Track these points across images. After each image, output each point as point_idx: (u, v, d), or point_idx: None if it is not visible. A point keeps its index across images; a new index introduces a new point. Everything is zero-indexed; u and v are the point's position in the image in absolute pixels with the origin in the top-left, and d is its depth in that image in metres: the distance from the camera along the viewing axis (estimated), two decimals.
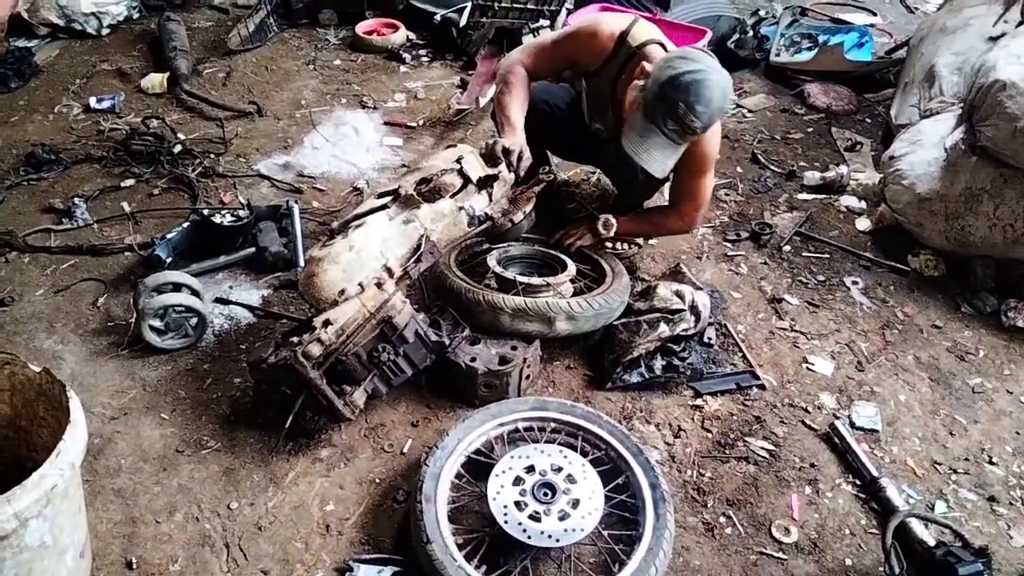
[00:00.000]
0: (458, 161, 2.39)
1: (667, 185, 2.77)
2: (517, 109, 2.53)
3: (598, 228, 2.69)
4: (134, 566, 1.88)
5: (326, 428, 2.24)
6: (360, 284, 2.14)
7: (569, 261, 2.57)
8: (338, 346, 2.06)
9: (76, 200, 3.07)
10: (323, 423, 2.22)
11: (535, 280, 2.41)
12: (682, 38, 3.86)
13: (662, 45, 2.45)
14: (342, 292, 2.13)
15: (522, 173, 2.45)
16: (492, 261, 2.50)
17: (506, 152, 2.40)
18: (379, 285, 2.14)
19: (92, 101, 3.81)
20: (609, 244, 2.93)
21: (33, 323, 2.56)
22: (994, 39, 3.10)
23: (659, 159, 2.29)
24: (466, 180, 2.38)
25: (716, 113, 2.24)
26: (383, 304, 2.10)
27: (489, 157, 2.43)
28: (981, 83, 2.71)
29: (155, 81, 3.98)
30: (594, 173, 3.35)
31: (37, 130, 3.62)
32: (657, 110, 2.22)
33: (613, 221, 2.68)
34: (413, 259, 2.24)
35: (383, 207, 2.32)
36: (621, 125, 2.47)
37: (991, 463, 2.26)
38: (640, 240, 2.99)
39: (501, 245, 2.63)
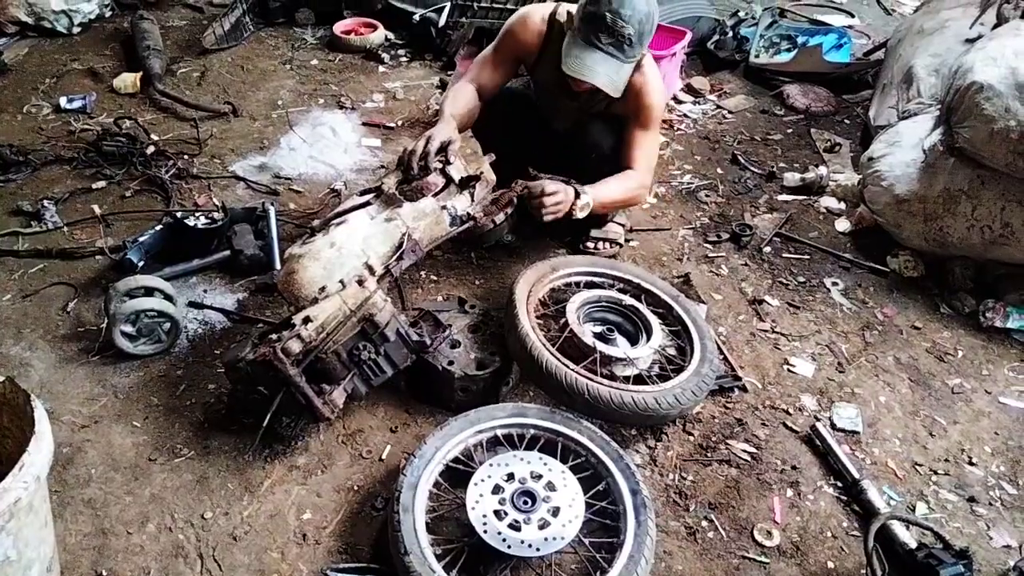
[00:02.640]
0: (440, 161, 2.36)
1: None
2: (451, 108, 2.55)
3: (575, 210, 2.55)
4: None
5: (302, 435, 2.20)
6: (341, 282, 2.11)
7: (655, 325, 2.40)
8: (318, 343, 2.03)
9: (45, 202, 3.00)
10: (300, 429, 2.18)
11: (615, 352, 2.29)
12: (662, 39, 3.86)
13: None
14: (323, 289, 2.10)
15: (421, 157, 2.34)
16: (572, 315, 2.36)
17: (411, 153, 2.35)
18: (360, 283, 2.11)
19: (62, 101, 3.73)
20: (591, 245, 2.92)
21: (0, 329, 2.49)
22: (971, 41, 3.12)
23: (604, 73, 2.36)
24: (448, 180, 2.37)
25: (644, 18, 2.33)
26: (364, 302, 2.07)
27: (399, 164, 2.40)
28: (958, 85, 2.72)
29: (127, 81, 3.90)
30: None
31: (5, 130, 3.53)
32: (589, 30, 2.33)
33: (590, 204, 2.57)
34: (395, 257, 2.22)
35: (365, 205, 2.29)
36: (575, 105, 2.59)
37: (971, 464, 2.27)
38: (621, 240, 2.97)
39: (585, 292, 2.49)
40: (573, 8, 2.48)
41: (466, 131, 2.71)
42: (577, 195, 2.53)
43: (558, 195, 2.47)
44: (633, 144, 2.69)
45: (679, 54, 3.97)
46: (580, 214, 2.55)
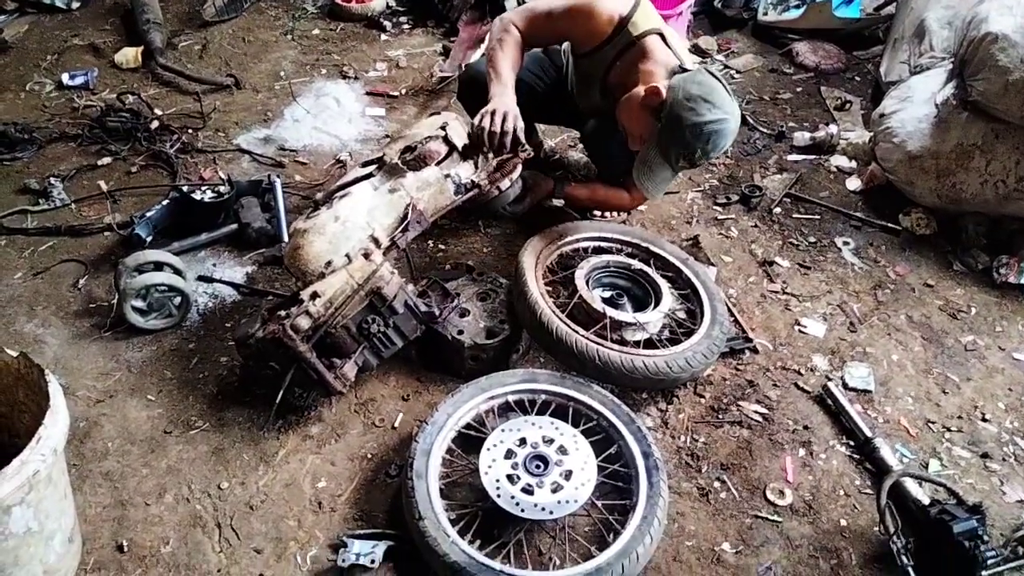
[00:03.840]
0: (443, 128, 2.34)
1: None
2: (508, 66, 2.44)
3: (546, 198, 2.80)
4: (125, 549, 1.87)
5: (315, 404, 2.21)
6: (347, 255, 2.10)
7: (665, 288, 2.39)
8: (327, 319, 2.03)
9: (52, 180, 2.99)
10: (312, 399, 2.19)
11: (624, 317, 2.28)
12: None
13: (662, 36, 2.38)
14: (329, 264, 2.09)
15: (511, 143, 2.31)
16: (581, 281, 2.35)
17: (491, 134, 2.25)
18: (366, 256, 2.11)
19: (65, 78, 3.70)
20: (599, 212, 2.89)
21: (12, 307, 2.51)
22: None
23: (662, 188, 2.52)
24: (451, 147, 2.33)
25: (722, 153, 2.42)
26: (371, 275, 2.07)
27: (474, 145, 2.32)
28: (972, 36, 2.66)
29: (129, 55, 3.87)
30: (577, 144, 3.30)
31: (8, 109, 3.52)
32: (672, 150, 2.27)
33: (561, 204, 2.80)
34: (400, 228, 2.21)
35: (368, 176, 2.28)
36: (606, 104, 2.49)
37: (984, 420, 2.26)
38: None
39: (593, 258, 2.48)
40: (652, 51, 2.34)
41: None
42: (554, 191, 2.75)
43: (537, 189, 2.72)
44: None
45: (685, 13, 3.89)
46: (548, 204, 2.78)
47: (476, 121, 2.29)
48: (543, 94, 2.76)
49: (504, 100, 2.32)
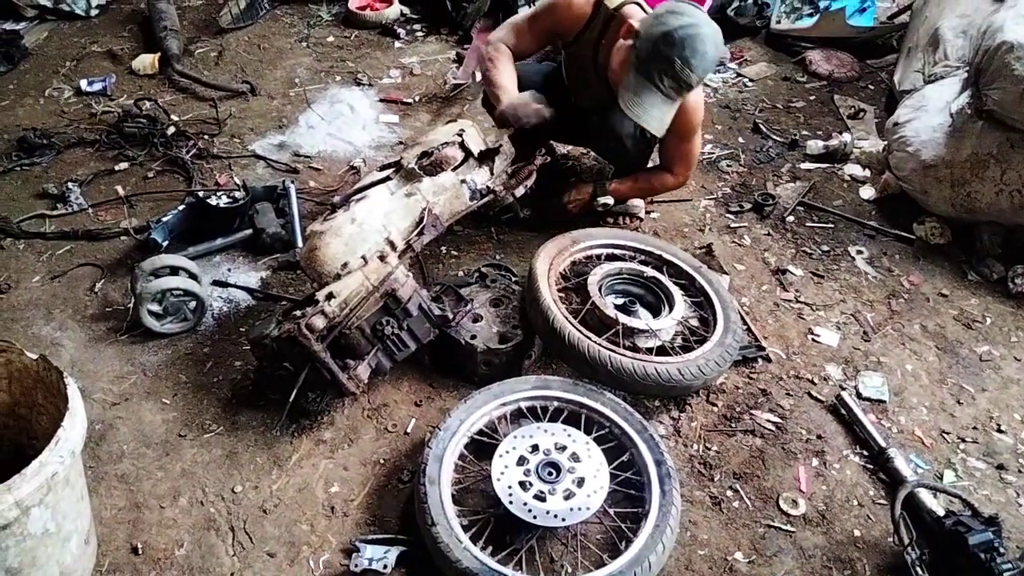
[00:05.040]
0: (459, 134, 2.36)
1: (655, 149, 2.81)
2: (508, 78, 2.52)
3: (595, 205, 2.80)
4: (140, 551, 1.88)
5: (328, 409, 2.22)
6: (363, 257, 2.12)
7: (678, 296, 2.39)
8: (342, 319, 2.05)
9: (70, 185, 3.03)
10: (325, 404, 2.20)
11: (637, 324, 2.29)
12: None
13: (639, 5, 2.45)
14: (345, 265, 2.11)
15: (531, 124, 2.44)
16: (593, 287, 2.35)
17: (513, 117, 2.41)
18: (382, 258, 2.13)
19: (83, 84, 3.75)
20: (611, 219, 2.91)
21: (31, 310, 2.54)
22: (1000, 0, 3.03)
23: (656, 116, 2.33)
24: (467, 153, 2.36)
25: (710, 65, 2.28)
26: (386, 277, 2.08)
27: (500, 123, 2.45)
28: (988, 45, 2.65)
29: (146, 62, 3.91)
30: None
31: (28, 114, 3.57)
32: (652, 67, 2.24)
33: (611, 202, 2.79)
34: (416, 232, 2.23)
35: (385, 180, 2.30)
36: (606, 91, 2.50)
37: (999, 431, 2.25)
38: (641, 214, 2.95)
39: (606, 265, 2.49)
40: (632, 16, 2.41)
41: None
42: (595, 196, 2.75)
43: (578, 198, 2.81)
44: (669, 151, 2.70)
45: None
46: (598, 208, 2.77)
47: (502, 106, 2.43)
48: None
49: (536, 106, 2.44)
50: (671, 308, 2.36)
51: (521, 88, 2.60)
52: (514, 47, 2.61)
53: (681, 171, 2.74)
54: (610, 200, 2.79)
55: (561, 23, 2.57)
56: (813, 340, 2.51)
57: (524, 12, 2.70)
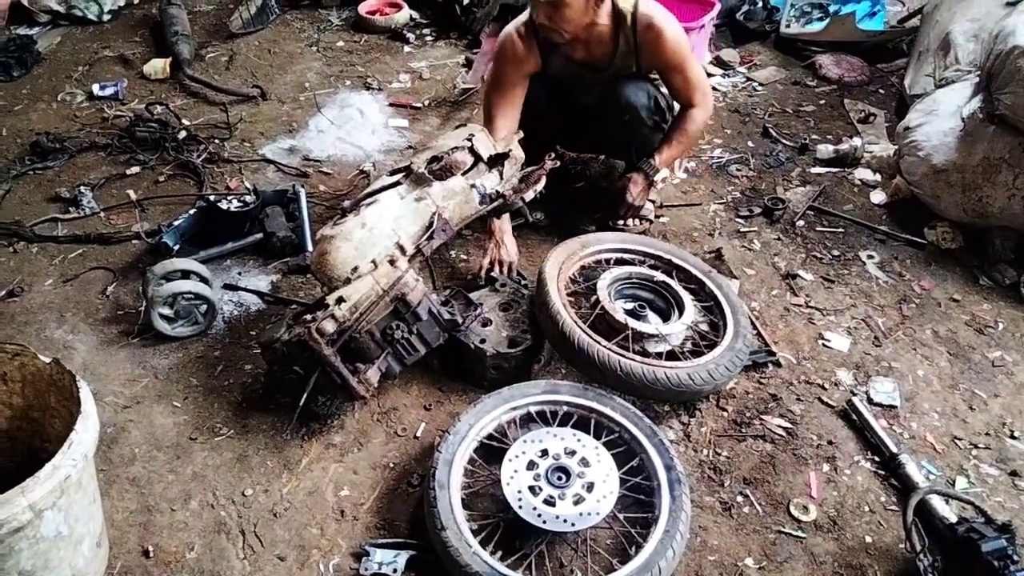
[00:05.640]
0: (469, 139, 2.36)
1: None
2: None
3: (648, 188, 2.80)
4: (151, 554, 1.89)
5: (338, 413, 2.23)
6: (373, 261, 2.13)
7: (687, 300, 2.39)
8: (352, 323, 2.05)
9: (82, 188, 3.06)
10: (335, 408, 2.21)
11: (647, 328, 2.29)
12: (690, 10, 3.80)
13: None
14: (355, 270, 2.12)
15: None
16: (603, 292, 2.36)
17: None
18: (392, 262, 2.13)
19: (95, 88, 3.78)
20: (622, 222, 2.90)
21: (43, 313, 2.55)
22: (1012, 4, 3.01)
23: None
24: (477, 158, 2.36)
25: None
26: (396, 281, 2.09)
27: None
28: (999, 50, 2.64)
29: (157, 67, 3.94)
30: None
31: (41, 119, 3.60)
32: None
33: (667, 174, 2.79)
34: (425, 236, 2.23)
35: (395, 185, 2.30)
36: (600, 76, 2.64)
37: (1012, 437, 2.23)
38: (651, 217, 2.95)
39: (616, 269, 2.49)
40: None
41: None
42: (648, 177, 2.74)
43: (637, 188, 2.75)
44: (678, 87, 2.70)
45: (708, 26, 3.90)
46: (659, 187, 2.74)
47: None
48: (546, 106, 2.79)
49: (506, 247, 2.64)
50: (681, 313, 2.36)
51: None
52: (507, 118, 2.63)
53: (701, 98, 2.73)
54: (666, 172, 2.77)
55: (522, 63, 2.63)
56: (823, 345, 2.50)
57: (488, 84, 2.75)
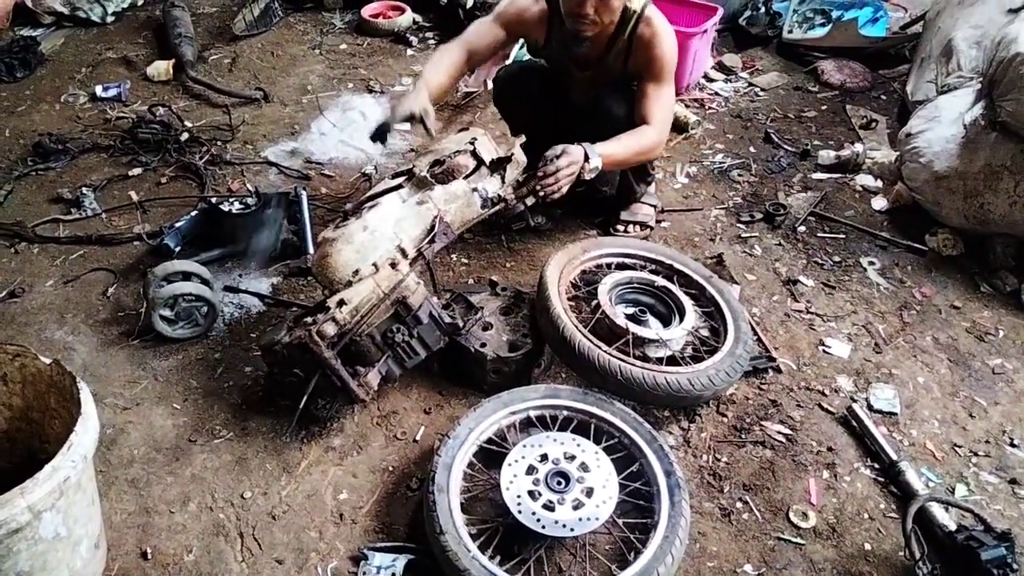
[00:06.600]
0: (471, 143, 2.37)
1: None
2: (430, 69, 2.57)
3: (583, 172, 2.44)
4: (149, 556, 1.88)
5: (338, 416, 2.23)
6: (374, 264, 2.13)
7: (688, 306, 2.38)
8: (352, 326, 2.05)
9: (84, 190, 3.06)
10: (335, 411, 2.21)
11: (647, 333, 2.28)
12: (692, 16, 3.80)
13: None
14: (356, 272, 2.12)
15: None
16: (604, 296, 2.36)
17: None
18: (393, 266, 2.13)
19: (98, 90, 3.79)
20: (622, 227, 2.90)
21: (44, 314, 2.56)
22: (1015, 11, 3.01)
23: None
24: (479, 162, 2.36)
25: None
26: (397, 284, 2.09)
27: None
28: (1002, 56, 2.64)
29: (161, 68, 3.95)
30: None
31: (44, 120, 3.60)
32: None
33: (600, 165, 2.45)
34: (427, 240, 2.23)
35: (397, 188, 2.30)
36: (587, 75, 2.63)
37: (1012, 445, 2.22)
38: (652, 223, 2.95)
39: (616, 274, 2.48)
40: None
41: (445, 96, 2.76)
42: (587, 158, 2.42)
43: (570, 159, 2.37)
44: (646, 98, 2.59)
45: (710, 31, 3.90)
46: (588, 176, 2.43)
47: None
48: (539, 105, 2.82)
49: (405, 100, 2.45)
50: (681, 318, 2.36)
51: (521, 88, 2.71)
52: (472, 45, 2.62)
53: (660, 122, 2.58)
54: (599, 163, 2.45)
55: (523, 26, 2.63)
56: (824, 351, 2.50)
57: (490, 15, 2.70)
